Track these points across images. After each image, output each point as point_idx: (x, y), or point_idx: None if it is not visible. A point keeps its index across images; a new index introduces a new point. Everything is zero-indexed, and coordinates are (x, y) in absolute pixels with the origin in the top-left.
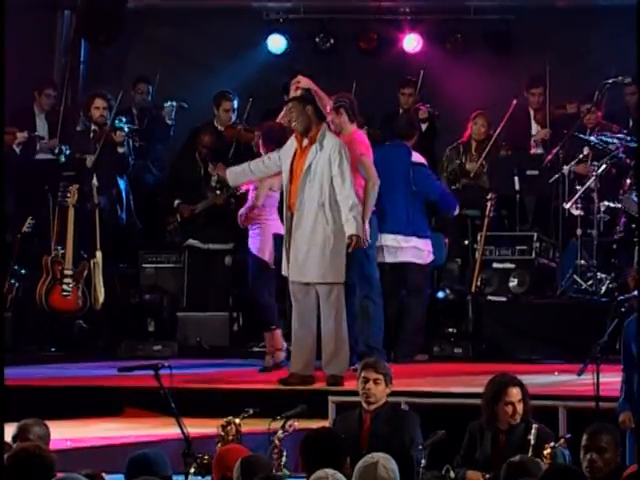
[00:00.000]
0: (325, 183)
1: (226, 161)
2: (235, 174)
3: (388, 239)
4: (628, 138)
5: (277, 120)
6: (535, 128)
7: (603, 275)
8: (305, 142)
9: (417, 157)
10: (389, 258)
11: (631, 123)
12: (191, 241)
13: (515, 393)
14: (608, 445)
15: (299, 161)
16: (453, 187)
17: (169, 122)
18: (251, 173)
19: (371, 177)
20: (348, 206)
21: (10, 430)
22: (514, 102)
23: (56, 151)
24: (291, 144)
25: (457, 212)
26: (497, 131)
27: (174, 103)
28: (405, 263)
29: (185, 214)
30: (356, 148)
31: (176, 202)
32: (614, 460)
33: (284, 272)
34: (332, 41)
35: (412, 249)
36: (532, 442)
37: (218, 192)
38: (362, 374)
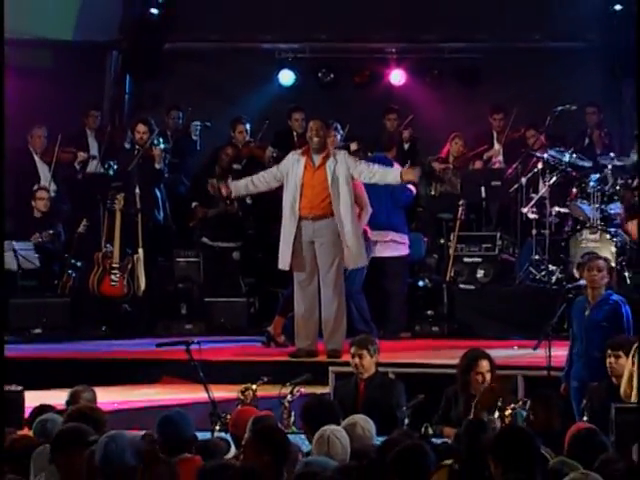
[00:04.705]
0: (349, 188)
1: (238, 171)
2: (238, 187)
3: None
4: (574, 155)
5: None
6: (497, 146)
7: (554, 267)
8: (318, 159)
9: (397, 167)
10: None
11: (587, 141)
12: (204, 239)
13: (485, 365)
14: (540, 409)
15: (314, 175)
16: (430, 191)
17: (194, 138)
18: (253, 186)
19: (365, 205)
20: (380, 169)
21: (64, 395)
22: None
23: (106, 166)
24: (292, 162)
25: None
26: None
27: (199, 123)
28: (385, 257)
29: (199, 215)
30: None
31: (194, 204)
32: (549, 421)
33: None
34: (332, 76)
35: (390, 243)
36: (499, 404)
37: (228, 202)
38: (350, 351)
